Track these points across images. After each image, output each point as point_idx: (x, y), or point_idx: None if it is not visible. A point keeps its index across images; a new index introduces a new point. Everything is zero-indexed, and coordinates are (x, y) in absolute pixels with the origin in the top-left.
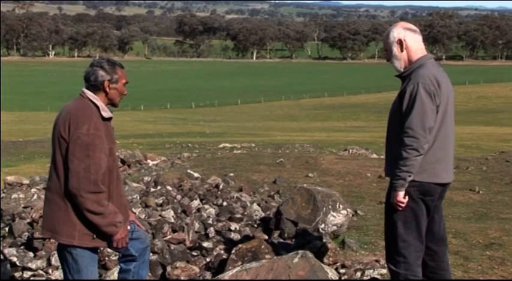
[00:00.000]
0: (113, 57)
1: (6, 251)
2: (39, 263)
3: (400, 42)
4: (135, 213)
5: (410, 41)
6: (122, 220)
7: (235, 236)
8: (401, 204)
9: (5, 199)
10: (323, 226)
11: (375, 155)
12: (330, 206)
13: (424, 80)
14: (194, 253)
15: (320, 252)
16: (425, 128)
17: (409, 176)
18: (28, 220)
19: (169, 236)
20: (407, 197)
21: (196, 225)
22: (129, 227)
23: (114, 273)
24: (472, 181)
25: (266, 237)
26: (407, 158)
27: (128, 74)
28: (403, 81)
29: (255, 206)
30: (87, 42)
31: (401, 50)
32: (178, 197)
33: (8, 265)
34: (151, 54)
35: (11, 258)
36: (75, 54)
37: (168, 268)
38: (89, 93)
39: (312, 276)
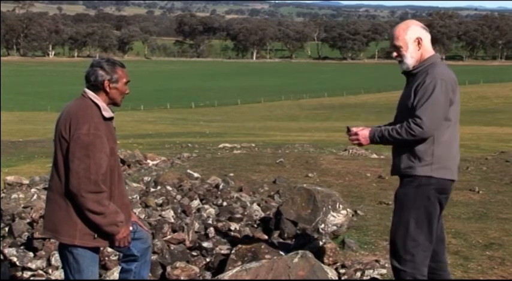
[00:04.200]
0: (113, 57)
1: (6, 251)
2: (39, 263)
3: (418, 41)
4: (135, 213)
5: (426, 41)
6: (123, 219)
7: (235, 236)
8: (356, 138)
9: (5, 199)
10: (323, 226)
11: (374, 155)
12: (329, 206)
13: (444, 77)
14: (194, 253)
15: (320, 252)
16: (435, 123)
17: (387, 140)
18: (28, 220)
19: (169, 236)
20: (420, 197)
21: (196, 225)
22: (131, 228)
23: (114, 273)
24: (472, 181)
25: (266, 237)
26: (401, 136)
27: (127, 74)
28: (414, 77)
29: (255, 206)
30: (87, 42)
31: (419, 49)
32: (178, 197)
33: (8, 265)
34: (151, 54)
35: (11, 258)
36: (75, 54)
37: (168, 268)
38: (90, 93)
39: (312, 276)
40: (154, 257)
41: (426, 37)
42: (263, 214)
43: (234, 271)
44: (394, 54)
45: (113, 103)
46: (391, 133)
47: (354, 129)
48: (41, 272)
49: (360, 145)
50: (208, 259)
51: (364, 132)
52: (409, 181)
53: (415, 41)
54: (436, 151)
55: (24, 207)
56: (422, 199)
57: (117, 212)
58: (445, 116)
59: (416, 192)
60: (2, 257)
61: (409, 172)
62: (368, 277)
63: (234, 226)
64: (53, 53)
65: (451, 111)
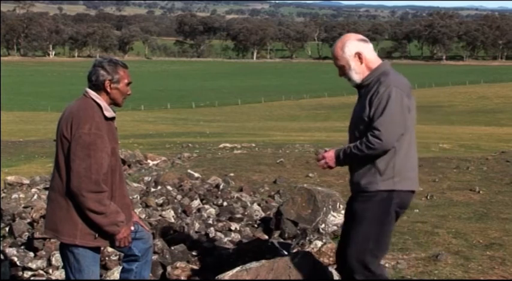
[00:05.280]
0: (115, 57)
1: (6, 251)
2: (40, 263)
3: (359, 56)
4: (136, 213)
5: (367, 52)
6: (124, 219)
7: (235, 236)
8: (324, 161)
9: (5, 199)
10: (323, 226)
11: None
12: (330, 206)
13: (398, 84)
14: (194, 253)
15: (320, 252)
16: (394, 134)
17: (351, 158)
18: (28, 220)
19: (169, 236)
20: (333, 159)
21: (197, 225)
22: (132, 228)
23: (114, 273)
24: (472, 181)
25: (266, 237)
26: (362, 152)
27: (130, 74)
28: (366, 88)
29: (255, 206)
30: (87, 42)
31: (361, 63)
32: (179, 197)
33: (9, 265)
34: (152, 54)
35: (11, 258)
36: (76, 54)
37: (168, 268)
38: (92, 93)
39: (312, 276)
40: (154, 257)
41: (366, 49)
42: (263, 214)
43: (234, 271)
44: (339, 73)
45: (114, 103)
46: (353, 150)
47: (321, 152)
48: (41, 272)
49: (330, 167)
50: (208, 259)
51: (329, 154)
52: (371, 195)
53: (355, 57)
54: (397, 163)
55: (24, 207)
56: (384, 214)
57: (117, 211)
58: (404, 125)
59: (378, 207)
60: (2, 257)
61: (371, 187)
62: None
63: (234, 226)
64: (53, 53)
65: (408, 119)
